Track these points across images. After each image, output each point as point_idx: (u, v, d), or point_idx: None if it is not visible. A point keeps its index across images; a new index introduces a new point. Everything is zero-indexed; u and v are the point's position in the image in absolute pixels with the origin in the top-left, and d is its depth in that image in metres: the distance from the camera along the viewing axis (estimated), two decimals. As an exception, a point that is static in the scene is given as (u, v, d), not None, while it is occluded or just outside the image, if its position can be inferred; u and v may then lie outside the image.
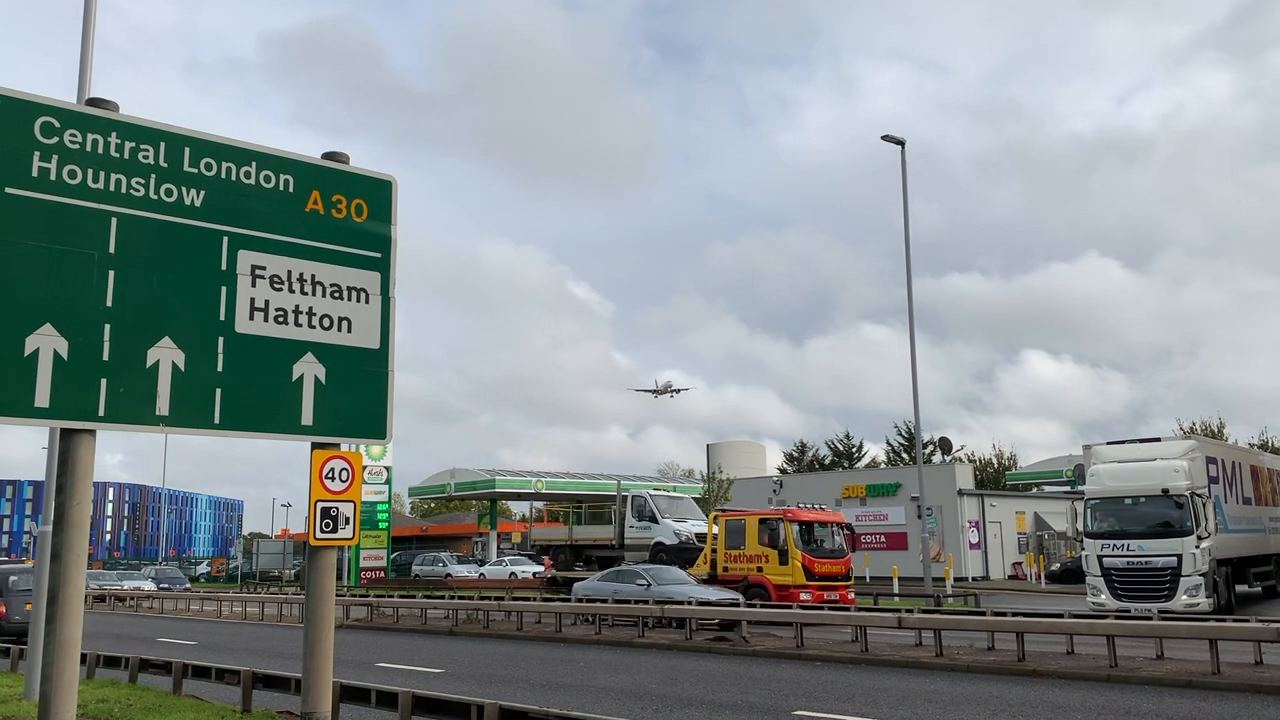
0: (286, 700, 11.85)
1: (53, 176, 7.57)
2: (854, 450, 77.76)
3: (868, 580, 39.28)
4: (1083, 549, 26.24)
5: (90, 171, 7.76)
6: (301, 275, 8.83)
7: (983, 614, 19.72)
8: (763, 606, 23.13)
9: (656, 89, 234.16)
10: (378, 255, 9.38)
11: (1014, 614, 18.62)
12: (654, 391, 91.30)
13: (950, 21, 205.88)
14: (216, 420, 8.20)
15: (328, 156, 9.32)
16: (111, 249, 7.77)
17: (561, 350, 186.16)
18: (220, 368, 8.24)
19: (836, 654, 17.82)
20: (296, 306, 8.76)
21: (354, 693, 10.92)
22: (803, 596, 25.66)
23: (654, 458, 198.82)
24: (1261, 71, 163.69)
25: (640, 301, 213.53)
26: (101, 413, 7.57)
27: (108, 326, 7.69)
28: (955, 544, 45.49)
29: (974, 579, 44.34)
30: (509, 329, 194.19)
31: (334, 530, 9.05)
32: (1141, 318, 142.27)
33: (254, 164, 8.70)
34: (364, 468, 12.11)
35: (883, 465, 68.30)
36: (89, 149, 7.78)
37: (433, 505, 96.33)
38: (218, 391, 8.22)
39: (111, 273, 7.75)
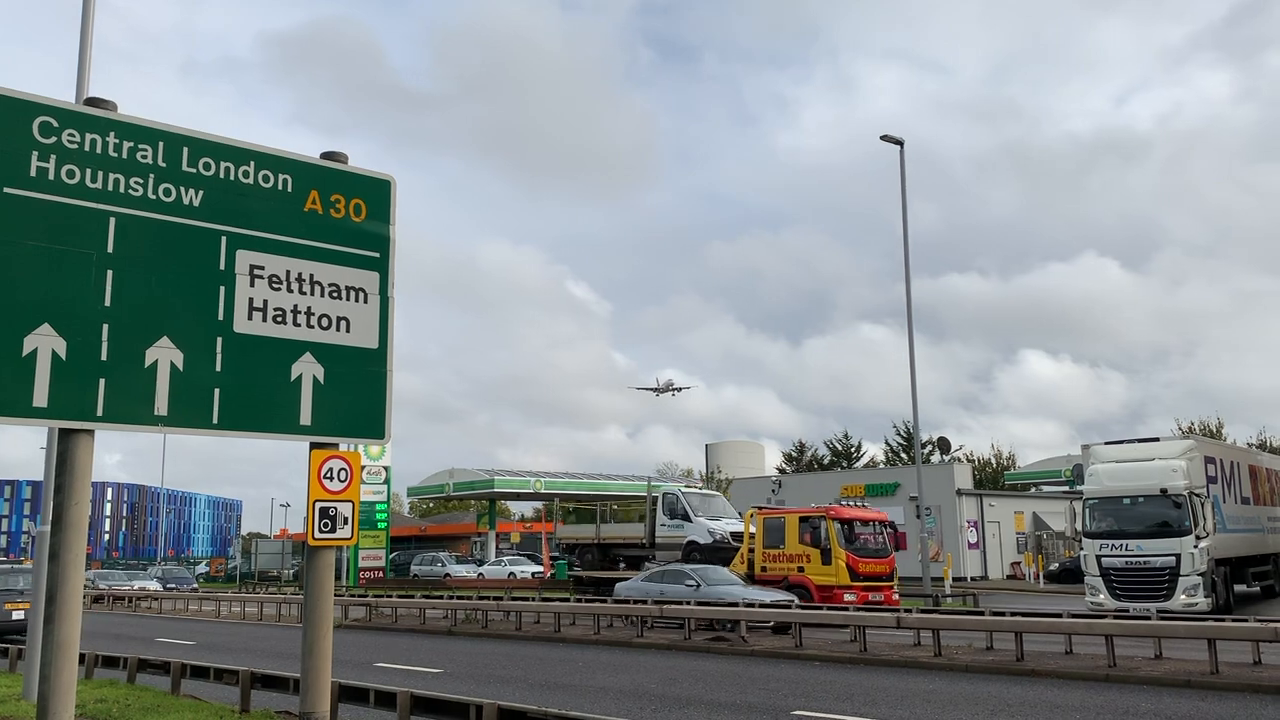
0: (285, 700, 11.84)
1: (51, 176, 7.58)
2: (853, 450, 77.80)
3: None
4: (1081, 549, 26.25)
5: (89, 171, 7.76)
6: (300, 275, 8.83)
7: (981, 614, 19.71)
8: (805, 608, 21.65)
9: (655, 89, 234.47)
10: (376, 255, 9.38)
11: (1012, 614, 18.61)
12: (655, 390, 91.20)
13: (950, 21, 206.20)
14: (215, 420, 8.20)
15: (326, 156, 9.33)
16: (110, 249, 7.78)
17: (560, 350, 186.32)
18: (219, 368, 8.24)
19: (835, 654, 17.83)
20: (295, 306, 8.76)
21: (352, 692, 10.91)
22: (846, 597, 24.63)
23: (652, 457, 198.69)
24: (1259, 72, 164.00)
25: (638, 301, 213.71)
26: (100, 413, 7.57)
27: (106, 326, 7.69)
28: (954, 544, 45.52)
29: (972, 579, 44.35)
30: (507, 329, 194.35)
31: (332, 530, 9.06)
32: (1139, 317, 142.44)
33: (252, 164, 8.71)
34: (362, 468, 12.15)
35: (881, 465, 68.31)
36: (87, 149, 7.78)
37: (431, 505, 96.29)
38: (216, 391, 8.23)
39: (110, 272, 7.75)
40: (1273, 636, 14.26)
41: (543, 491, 64.89)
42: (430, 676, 16.17)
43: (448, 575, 51.46)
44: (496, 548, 66.98)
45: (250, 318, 8.49)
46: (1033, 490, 61.18)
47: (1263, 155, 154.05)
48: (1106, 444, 27.52)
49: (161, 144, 8.19)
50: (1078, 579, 31.05)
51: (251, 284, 8.53)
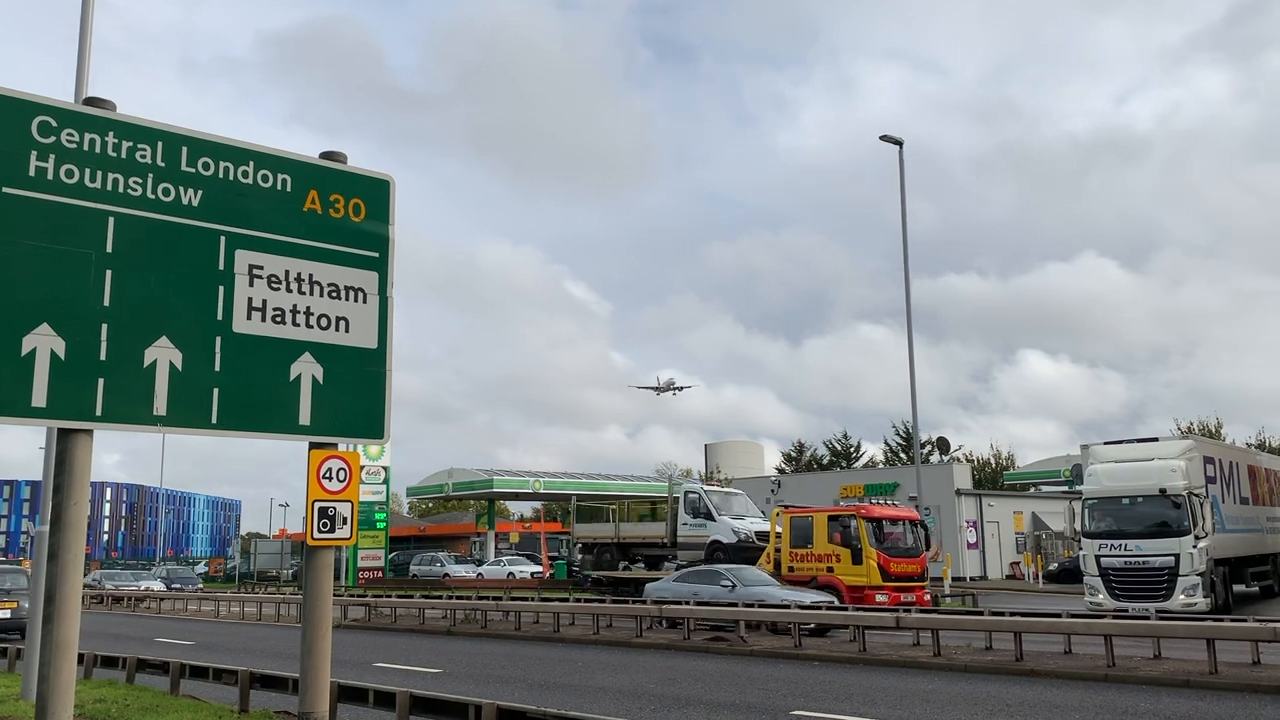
0: (284, 700, 11.83)
1: (50, 176, 7.57)
2: (852, 450, 77.85)
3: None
4: (1080, 549, 26.25)
5: (87, 171, 7.76)
6: (299, 275, 8.83)
7: (980, 614, 19.71)
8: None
9: (653, 89, 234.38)
10: (375, 255, 9.38)
11: (1012, 614, 18.62)
12: (657, 389, 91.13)
13: (949, 22, 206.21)
14: (214, 420, 8.20)
15: (325, 156, 9.32)
16: (109, 248, 7.77)
17: (558, 350, 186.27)
18: (218, 367, 8.24)
19: (834, 653, 17.83)
20: (294, 306, 8.76)
21: (352, 692, 10.91)
22: (878, 598, 24.08)
23: (652, 457, 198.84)
24: (1258, 72, 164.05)
25: (637, 301, 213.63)
26: (99, 412, 7.57)
27: (105, 326, 7.68)
28: (953, 544, 45.52)
29: (972, 579, 44.38)
30: (506, 329, 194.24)
31: (331, 530, 9.05)
32: (1139, 317, 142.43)
33: (251, 163, 8.70)
34: (361, 468, 12.15)
35: (880, 465, 68.36)
36: (86, 148, 7.78)
37: (430, 505, 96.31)
38: (215, 391, 8.22)
39: (109, 272, 7.75)
40: (1271, 636, 14.27)
41: (542, 492, 64.89)
42: (429, 676, 16.17)
43: (447, 575, 51.48)
44: (495, 548, 67.02)
45: (249, 317, 8.48)
46: (1032, 490, 61.20)
47: (1262, 155, 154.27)
48: (1105, 444, 27.52)
49: (160, 144, 8.19)
50: (1077, 579, 31.05)
51: (250, 284, 8.53)
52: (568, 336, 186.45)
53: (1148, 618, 17.96)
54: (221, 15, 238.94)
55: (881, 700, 13.13)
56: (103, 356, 7.64)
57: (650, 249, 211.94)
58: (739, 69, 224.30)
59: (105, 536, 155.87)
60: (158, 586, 49.79)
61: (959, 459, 65.77)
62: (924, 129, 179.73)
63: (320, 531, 8.98)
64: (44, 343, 7.38)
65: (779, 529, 27.44)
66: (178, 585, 52.25)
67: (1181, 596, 23.43)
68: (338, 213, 9.18)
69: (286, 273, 8.75)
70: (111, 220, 7.82)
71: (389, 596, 33.05)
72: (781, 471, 72.88)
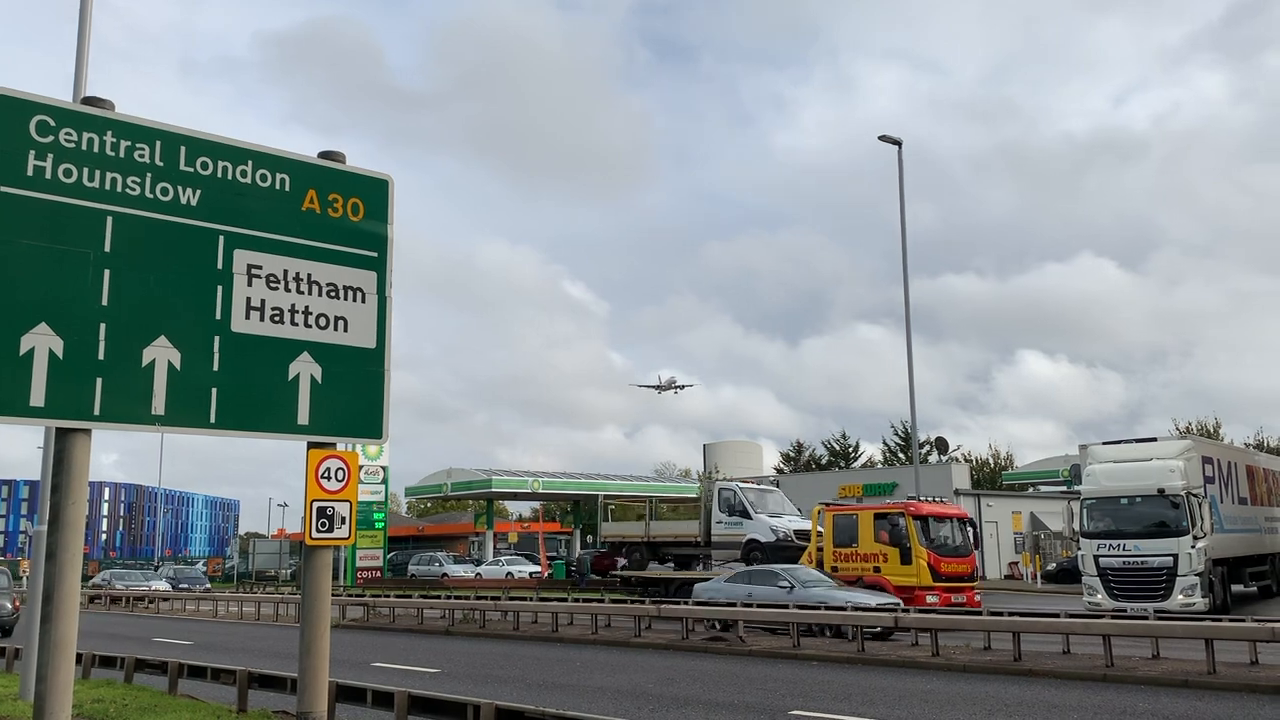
0: (282, 700, 11.83)
1: (48, 175, 7.57)
2: (850, 450, 77.92)
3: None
4: (1079, 549, 26.26)
5: (86, 170, 7.76)
6: (298, 274, 8.83)
7: (979, 614, 19.71)
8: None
9: (653, 88, 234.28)
10: (374, 255, 9.38)
11: (1010, 614, 18.62)
12: (657, 387, 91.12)
13: (949, 22, 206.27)
14: (212, 420, 8.19)
15: (324, 155, 9.32)
16: (107, 248, 7.77)
17: (557, 350, 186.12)
18: (216, 367, 8.24)
19: (833, 653, 17.83)
20: (293, 306, 8.76)
21: (350, 692, 10.91)
22: (929, 599, 23.09)
23: (650, 457, 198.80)
24: (1257, 72, 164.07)
25: (635, 301, 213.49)
26: (97, 412, 7.57)
27: (103, 326, 7.68)
28: (952, 544, 45.48)
29: (970, 579, 44.35)
30: (504, 328, 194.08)
31: (330, 530, 9.05)
32: (1136, 317, 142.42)
33: (250, 163, 8.70)
34: (360, 467, 12.12)
35: (879, 465, 68.39)
36: (85, 148, 7.78)
37: (429, 505, 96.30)
38: (214, 391, 8.22)
39: (107, 272, 7.75)
40: (1270, 636, 14.28)
41: (540, 492, 64.92)
42: (428, 676, 16.17)
43: (445, 575, 51.49)
44: (494, 548, 67.03)
45: (248, 317, 8.48)
46: (1030, 490, 61.21)
47: (1260, 155, 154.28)
48: (1104, 444, 27.53)
49: (159, 143, 8.19)
50: (1075, 579, 31.04)
51: (249, 283, 8.53)
52: (566, 336, 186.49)
53: (1146, 618, 17.97)
54: (221, 15, 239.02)
55: (880, 700, 13.13)
56: (101, 356, 7.64)
57: (649, 249, 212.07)
58: (738, 69, 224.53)
59: (104, 536, 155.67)
60: (163, 587, 48.89)
61: (957, 459, 65.82)
62: (923, 129, 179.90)
63: (319, 531, 8.98)
64: (42, 342, 7.38)
65: (820, 527, 26.69)
66: (185, 585, 51.63)
67: (1180, 596, 23.44)
68: (336, 212, 9.19)
69: (285, 272, 8.75)
70: (110, 220, 7.82)
71: (387, 596, 33.06)
72: (780, 471, 72.87)
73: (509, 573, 50.41)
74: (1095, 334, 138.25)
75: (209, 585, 56.26)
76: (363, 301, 9.22)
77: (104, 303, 7.70)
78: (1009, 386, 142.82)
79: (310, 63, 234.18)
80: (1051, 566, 44.15)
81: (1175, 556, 23.71)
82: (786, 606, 20.27)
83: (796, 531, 29.95)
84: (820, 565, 25.75)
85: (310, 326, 8.85)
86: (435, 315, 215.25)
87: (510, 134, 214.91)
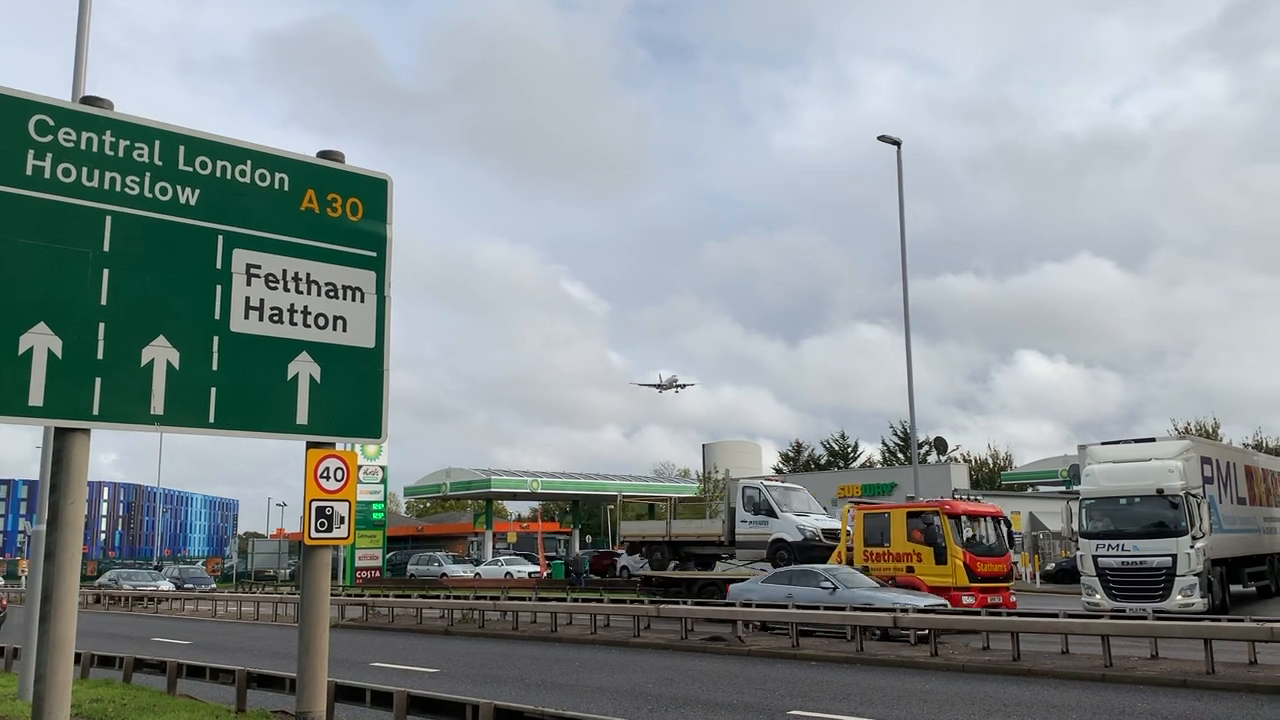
0: (281, 700, 11.83)
1: (47, 175, 7.57)
2: (849, 450, 77.96)
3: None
4: (1078, 549, 26.26)
5: (85, 170, 7.75)
6: (297, 274, 8.83)
7: (978, 614, 19.72)
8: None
9: (652, 88, 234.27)
10: (373, 254, 9.37)
11: (1009, 614, 18.64)
12: (658, 386, 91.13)
13: (949, 22, 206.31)
14: (211, 419, 8.19)
15: (323, 155, 9.32)
16: (106, 247, 7.77)
17: (556, 350, 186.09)
18: (215, 367, 8.24)
19: (832, 653, 17.84)
20: (291, 305, 8.75)
21: (349, 692, 10.91)
22: (965, 600, 22.43)
23: (650, 457, 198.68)
24: (1255, 73, 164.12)
25: (635, 301, 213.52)
26: (96, 412, 7.56)
27: (102, 325, 7.68)
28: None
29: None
30: (504, 328, 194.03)
31: (329, 530, 9.05)
32: (1135, 318, 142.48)
33: (249, 162, 8.70)
34: (359, 467, 12.12)
35: (878, 465, 68.40)
36: (83, 147, 7.77)
37: (428, 505, 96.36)
38: (212, 390, 8.22)
39: (106, 271, 7.75)
40: (1268, 636, 14.29)
41: (540, 491, 64.94)
42: (427, 676, 16.17)
43: (444, 575, 51.46)
44: (493, 547, 67.03)
45: (247, 317, 8.48)
46: (1029, 490, 61.28)
47: (1258, 155, 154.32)
48: (1103, 444, 27.54)
49: (158, 143, 8.19)
50: (1074, 579, 31.04)
51: (248, 283, 8.52)
52: (565, 336, 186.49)
53: (1145, 618, 17.97)
54: (220, 15, 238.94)
55: (879, 700, 13.14)
56: (100, 355, 7.64)
57: (648, 249, 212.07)
58: (737, 69, 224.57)
59: (103, 536, 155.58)
60: (166, 587, 48.57)
61: (956, 459, 65.87)
62: (922, 129, 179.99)
63: (318, 531, 8.97)
64: (41, 342, 7.38)
65: (849, 527, 26.31)
66: (190, 585, 51.43)
67: (1178, 597, 23.44)
68: (335, 212, 9.18)
69: (284, 272, 8.75)
70: (109, 219, 7.82)
71: (386, 596, 33.05)
72: (779, 471, 72.93)
73: (508, 572, 50.39)
74: (1094, 334, 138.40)
75: (214, 585, 56.11)
76: (362, 301, 9.22)
77: (103, 302, 7.70)
78: (1008, 387, 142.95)
79: (309, 63, 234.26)
80: (1050, 567, 44.15)
81: (1174, 557, 23.71)
82: (818, 608, 19.97)
83: (825, 530, 29.48)
84: (850, 565, 25.09)
85: (309, 326, 8.85)
86: (434, 315, 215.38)
87: (509, 134, 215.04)
